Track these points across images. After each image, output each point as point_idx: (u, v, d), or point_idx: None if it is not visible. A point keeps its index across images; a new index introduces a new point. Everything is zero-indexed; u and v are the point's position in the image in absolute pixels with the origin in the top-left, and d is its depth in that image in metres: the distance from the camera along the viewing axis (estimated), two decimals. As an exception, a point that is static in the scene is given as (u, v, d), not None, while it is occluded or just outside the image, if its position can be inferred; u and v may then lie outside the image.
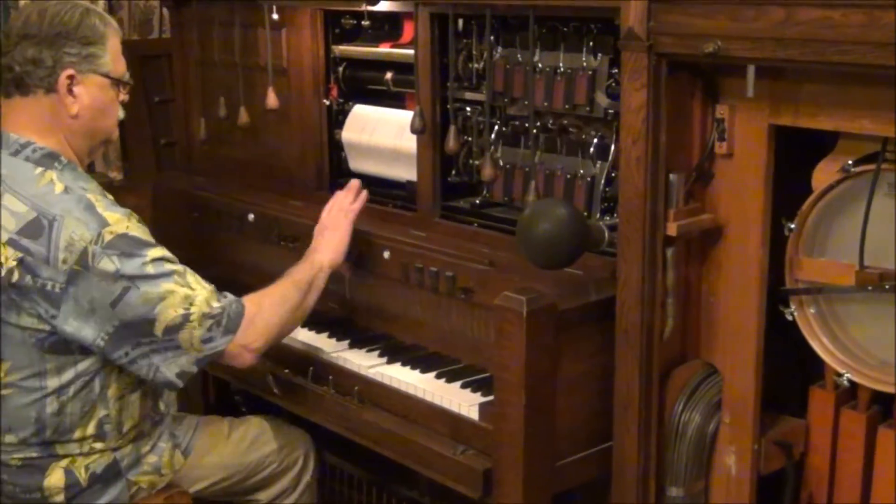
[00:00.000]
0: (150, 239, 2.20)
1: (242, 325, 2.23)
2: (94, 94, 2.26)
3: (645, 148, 1.96)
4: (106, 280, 2.11)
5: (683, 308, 2.10)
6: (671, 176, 2.00)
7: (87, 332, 2.14)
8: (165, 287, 2.15)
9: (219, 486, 2.51)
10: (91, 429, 2.25)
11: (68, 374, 2.20)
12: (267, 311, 2.30)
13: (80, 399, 2.22)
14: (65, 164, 2.23)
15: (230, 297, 2.26)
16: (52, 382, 2.20)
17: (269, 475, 2.59)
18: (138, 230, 2.18)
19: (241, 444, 2.55)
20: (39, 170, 2.20)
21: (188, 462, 2.44)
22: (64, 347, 2.18)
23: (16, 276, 2.12)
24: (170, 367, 2.20)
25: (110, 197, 2.29)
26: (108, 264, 2.11)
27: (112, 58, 2.27)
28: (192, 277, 2.22)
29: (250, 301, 2.29)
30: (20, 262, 2.11)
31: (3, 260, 2.12)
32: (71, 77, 2.22)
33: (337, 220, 2.57)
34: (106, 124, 2.33)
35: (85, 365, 2.21)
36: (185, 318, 2.17)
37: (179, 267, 2.21)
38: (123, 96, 2.35)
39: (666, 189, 2.00)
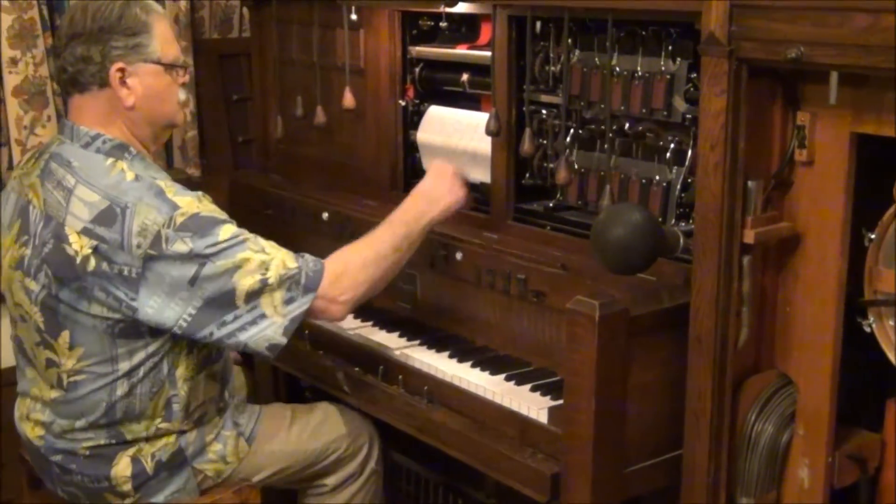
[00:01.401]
0: (222, 216, 2.23)
1: (325, 281, 2.24)
2: (147, 82, 2.29)
3: (723, 154, 1.93)
4: (181, 261, 2.14)
5: (759, 317, 2.07)
6: (749, 183, 1.97)
7: (169, 313, 2.18)
8: (240, 256, 2.18)
9: (284, 472, 2.53)
10: (160, 409, 2.29)
11: (139, 357, 2.25)
12: (355, 265, 2.31)
13: (149, 380, 2.27)
14: (134, 155, 2.28)
15: (308, 256, 2.28)
16: (124, 366, 2.25)
17: (334, 461, 2.59)
18: (209, 210, 2.21)
19: (304, 431, 2.56)
20: (110, 160, 2.24)
21: (252, 449, 2.46)
22: (134, 332, 2.22)
23: (92, 264, 2.16)
24: (258, 342, 2.22)
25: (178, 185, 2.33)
26: (182, 245, 2.14)
27: (160, 44, 2.29)
28: (266, 243, 2.24)
29: (339, 256, 2.30)
30: (95, 249, 2.15)
31: (78, 248, 2.16)
32: (121, 70, 2.25)
33: (455, 183, 2.52)
34: (165, 109, 2.35)
35: (155, 346, 2.25)
36: (264, 283, 2.18)
37: (250, 236, 2.23)
38: (182, 79, 2.37)
39: (744, 196, 1.97)
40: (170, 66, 2.32)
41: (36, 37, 3.20)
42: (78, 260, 2.16)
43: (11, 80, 3.20)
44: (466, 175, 2.57)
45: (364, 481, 2.64)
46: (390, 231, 2.41)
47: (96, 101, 2.27)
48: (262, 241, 2.24)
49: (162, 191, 2.20)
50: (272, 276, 2.19)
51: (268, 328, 2.21)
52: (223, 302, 2.17)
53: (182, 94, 2.39)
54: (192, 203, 2.19)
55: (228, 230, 2.20)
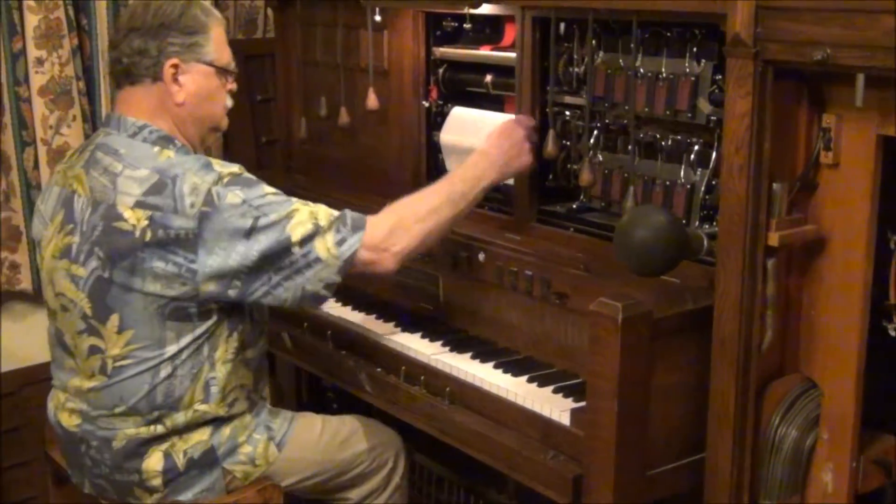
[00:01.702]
0: (266, 184, 2.30)
1: (378, 230, 2.29)
2: (198, 81, 2.35)
3: (748, 156, 1.93)
4: (236, 211, 2.19)
5: (783, 320, 2.06)
6: (774, 185, 1.96)
7: (232, 262, 2.21)
8: (290, 208, 2.25)
9: (310, 481, 2.54)
10: (198, 391, 2.32)
11: (185, 339, 2.28)
12: (409, 218, 2.34)
13: (190, 361, 2.30)
14: (179, 147, 2.32)
15: (348, 211, 2.32)
16: (171, 348, 2.28)
17: (359, 474, 2.60)
18: (252, 175, 2.29)
19: (333, 442, 2.57)
20: (157, 149, 2.29)
21: (281, 455, 2.47)
22: (184, 314, 2.25)
23: (149, 235, 2.19)
24: (315, 283, 2.26)
25: None
26: (234, 197, 2.20)
27: (215, 47, 2.36)
28: (312, 202, 2.31)
29: (394, 208, 2.35)
30: (150, 219, 2.19)
31: (134, 222, 2.20)
32: (175, 66, 2.31)
33: (523, 147, 2.50)
34: (212, 111, 2.41)
35: (201, 329, 2.28)
36: (316, 228, 2.24)
37: (296, 198, 2.30)
38: (231, 86, 2.44)
39: (768, 198, 1.96)
40: (221, 70, 2.39)
41: (62, 37, 3.22)
42: (136, 233, 2.19)
43: (37, 80, 3.22)
44: (534, 138, 2.53)
45: (388, 496, 2.65)
46: (449, 187, 2.43)
47: (147, 94, 2.33)
48: (303, 200, 2.31)
49: (209, 161, 2.27)
50: (323, 221, 2.25)
51: (323, 269, 2.25)
52: (279, 250, 2.22)
53: (229, 101, 2.46)
54: (237, 169, 2.27)
55: (272, 188, 2.28)
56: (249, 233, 2.20)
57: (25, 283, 3.30)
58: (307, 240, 2.23)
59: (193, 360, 2.30)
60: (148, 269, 2.21)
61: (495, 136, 2.51)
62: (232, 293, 2.25)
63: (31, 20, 3.18)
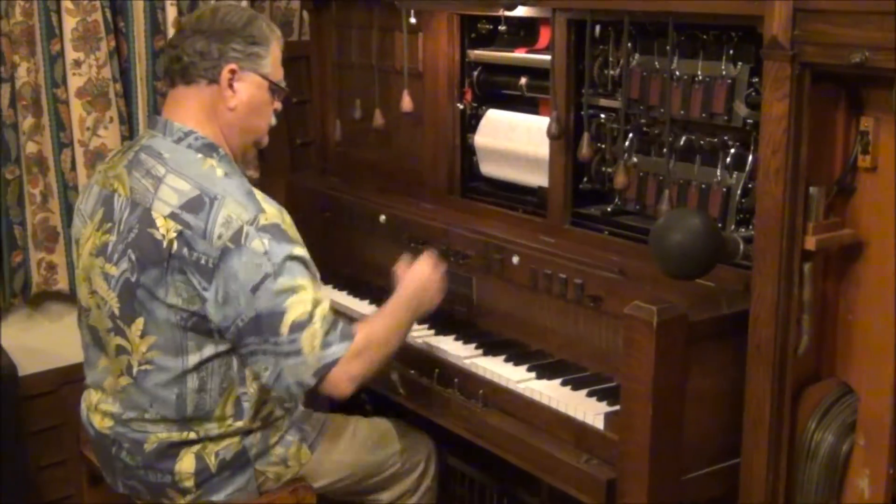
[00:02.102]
0: (298, 238, 2.28)
1: (350, 350, 2.25)
2: (251, 91, 2.36)
3: (785, 159, 1.91)
4: (254, 260, 2.18)
5: (819, 325, 2.04)
6: (811, 189, 1.95)
7: (228, 312, 2.21)
8: (300, 282, 2.22)
9: (342, 483, 2.54)
10: (230, 407, 2.32)
11: (208, 352, 2.28)
12: (376, 343, 2.32)
13: (219, 376, 2.30)
14: (222, 156, 2.33)
15: (341, 321, 2.29)
16: (193, 359, 2.28)
17: (391, 476, 2.61)
18: (289, 228, 2.27)
19: (365, 444, 2.58)
20: (200, 156, 2.30)
21: (314, 457, 2.47)
22: (204, 328, 2.25)
23: (175, 248, 2.20)
24: (291, 375, 2.24)
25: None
26: (259, 245, 2.19)
27: (272, 62, 2.39)
28: (322, 289, 2.29)
29: (359, 332, 2.30)
30: (179, 234, 2.20)
31: (164, 232, 2.21)
32: (233, 72, 2.33)
33: (430, 274, 2.52)
34: (258, 124, 2.42)
35: (224, 345, 2.28)
36: (311, 317, 2.21)
37: (314, 271, 2.29)
38: (277, 104, 2.44)
39: (805, 202, 1.95)
40: (274, 86, 2.40)
41: (99, 39, 3.24)
42: (164, 244, 2.20)
43: (75, 82, 3.25)
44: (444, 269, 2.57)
45: (419, 498, 2.66)
46: (398, 317, 2.41)
47: (199, 96, 2.34)
48: (319, 282, 2.30)
49: (252, 192, 2.26)
50: (318, 314, 2.23)
51: (301, 365, 2.22)
52: (270, 322, 2.20)
53: (274, 119, 2.47)
54: (276, 214, 2.25)
55: (300, 250, 2.26)
56: (255, 288, 2.19)
57: (62, 283, 3.33)
58: (298, 327, 2.20)
59: (222, 374, 2.30)
60: (171, 281, 2.22)
61: (419, 273, 2.50)
62: (230, 336, 2.25)
63: (70, 23, 3.21)
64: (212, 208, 2.20)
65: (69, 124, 3.27)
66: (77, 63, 3.24)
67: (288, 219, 2.29)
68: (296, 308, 2.20)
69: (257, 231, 2.19)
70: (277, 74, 2.41)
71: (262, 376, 2.27)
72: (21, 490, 3.20)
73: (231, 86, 2.33)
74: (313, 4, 3.37)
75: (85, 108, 3.27)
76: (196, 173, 2.27)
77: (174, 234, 2.20)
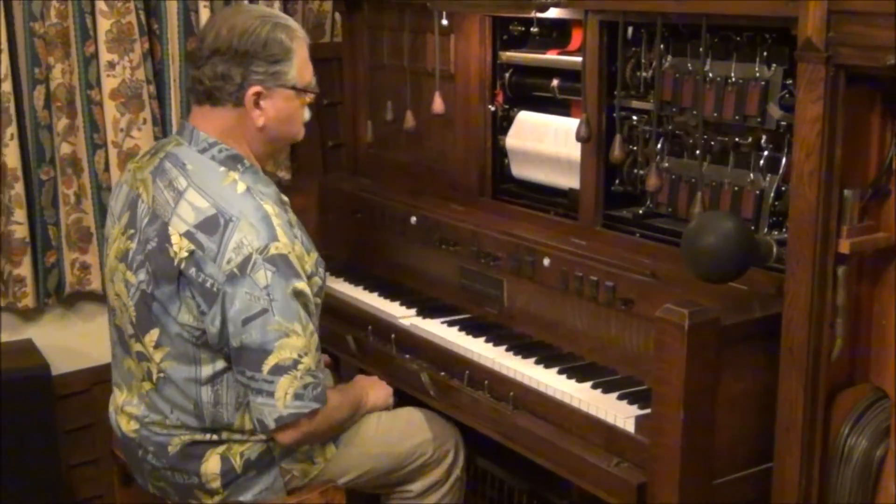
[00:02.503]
0: (302, 273, 2.26)
1: (315, 413, 2.27)
2: (279, 105, 2.34)
3: (819, 162, 1.90)
4: (254, 292, 2.18)
5: (853, 329, 2.03)
6: (845, 191, 1.93)
7: (222, 336, 2.23)
8: (294, 326, 2.21)
9: (370, 475, 2.54)
10: (248, 422, 2.32)
11: (221, 365, 2.28)
12: (329, 421, 2.37)
13: (234, 389, 2.30)
14: (247, 168, 2.32)
15: (323, 377, 2.32)
16: (206, 371, 2.28)
17: (420, 465, 2.60)
18: (297, 261, 2.25)
19: (390, 434, 2.57)
20: (223, 169, 2.29)
21: (339, 451, 2.47)
22: (216, 344, 2.26)
23: (184, 266, 2.21)
24: (254, 411, 2.26)
25: (285, 199, 2.38)
26: (262, 277, 2.18)
27: (298, 69, 2.34)
28: (314, 338, 2.28)
29: (329, 401, 2.32)
30: (191, 254, 2.20)
31: (177, 250, 2.21)
32: (258, 93, 2.30)
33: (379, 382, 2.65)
34: (291, 131, 2.41)
35: None
36: (295, 364, 2.22)
37: (312, 312, 2.28)
38: (309, 99, 2.41)
39: (840, 205, 1.93)
40: (302, 91, 2.37)
41: (133, 41, 3.27)
42: (176, 262, 2.21)
43: (109, 84, 3.27)
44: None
45: (449, 488, 2.65)
46: (353, 410, 2.49)
47: (226, 117, 2.32)
48: (312, 329, 2.28)
49: (268, 216, 2.23)
50: (303, 364, 2.23)
51: (267, 406, 2.23)
52: (254, 358, 2.21)
53: (307, 113, 2.44)
54: (288, 245, 2.23)
55: (302, 286, 2.24)
56: (248, 321, 2.19)
57: (95, 283, 3.35)
58: (279, 370, 2.21)
59: (236, 388, 2.30)
60: (183, 298, 2.23)
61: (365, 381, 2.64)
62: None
63: (104, 24, 3.23)
64: (226, 230, 2.19)
65: (103, 125, 3.30)
66: (111, 65, 3.26)
67: (298, 249, 2.27)
68: (282, 351, 2.20)
69: (264, 261, 2.18)
70: (305, 77, 2.37)
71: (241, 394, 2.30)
72: (53, 489, 3.23)
73: (258, 105, 2.31)
74: (345, 6, 3.37)
75: (118, 109, 3.29)
76: (216, 189, 2.26)
77: (185, 254, 2.20)
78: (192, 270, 2.20)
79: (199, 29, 3.35)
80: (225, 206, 2.22)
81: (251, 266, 2.18)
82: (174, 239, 2.22)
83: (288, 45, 2.32)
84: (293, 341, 2.21)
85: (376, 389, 2.60)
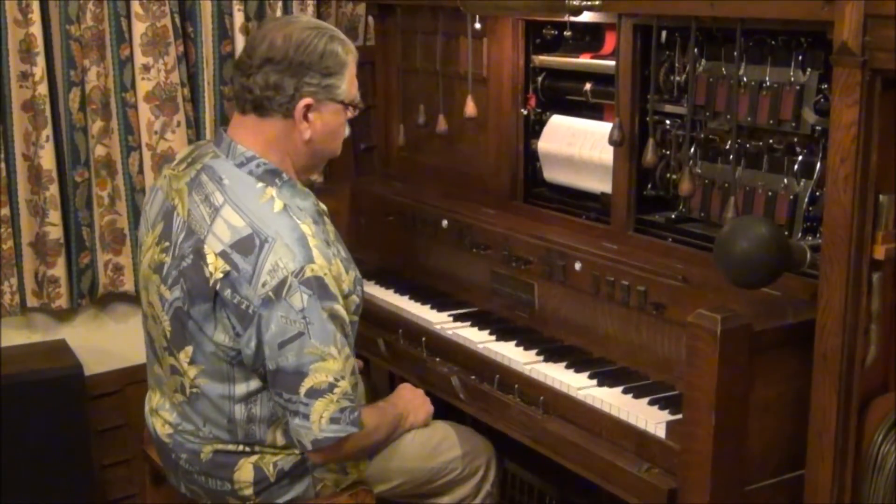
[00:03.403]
0: (338, 294, 2.23)
1: (351, 435, 2.25)
2: (326, 119, 2.30)
3: (854, 167, 1.88)
4: (290, 315, 2.15)
5: (888, 336, 2.01)
6: (881, 197, 1.92)
7: (257, 359, 2.21)
8: (331, 350, 2.19)
9: (401, 488, 2.54)
10: (280, 438, 2.32)
11: (255, 384, 2.27)
12: (367, 443, 2.37)
13: (267, 407, 2.29)
14: (285, 181, 2.28)
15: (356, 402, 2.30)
16: (241, 389, 2.27)
17: (451, 480, 2.60)
18: (332, 283, 2.21)
19: (424, 448, 2.57)
20: (261, 185, 2.25)
21: (372, 463, 2.47)
22: (252, 362, 2.24)
23: (219, 287, 2.18)
24: (292, 432, 2.25)
25: (324, 209, 2.36)
26: (298, 300, 2.15)
27: (348, 85, 2.31)
28: (350, 361, 2.26)
29: (365, 424, 2.31)
30: (226, 275, 2.17)
31: (213, 269, 2.18)
32: (308, 106, 2.26)
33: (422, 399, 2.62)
34: (334, 146, 2.39)
35: None
36: (331, 388, 2.20)
37: (347, 334, 2.26)
38: (351, 114, 2.38)
39: (875, 210, 1.91)
40: (350, 106, 2.34)
41: (168, 44, 3.29)
42: (211, 281, 2.19)
43: (144, 86, 3.29)
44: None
45: (480, 502, 2.64)
46: (388, 429, 2.48)
47: (273, 128, 2.28)
48: (348, 353, 2.25)
49: (304, 237, 2.20)
50: (340, 388, 2.21)
51: (304, 429, 2.22)
52: (290, 380, 2.19)
53: (347, 130, 2.41)
54: (324, 266, 2.20)
55: (338, 309, 2.22)
56: (283, 344, 2.17)
57: (128, 284, 3.38)
58: (315, 393, 2.19)
59: (270, 406, 2.29)
60: (219, 318, 2.21)
61: (406, 393, 2.62)
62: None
63: (139, 28, 3.26)
64: (261, 252, 2.16)
65: (137, 128, 3.32)
66: (146, 67, 3.28)
67: (335, 269, 2.23)
68: (318, 374, 2.19)
69: (300, 284, 2.15)
70: (353, 92, 2.34)
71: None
72: (85, 489, 3.25)
73: (306, 118, 2.27)
74: (378, 10, 3.38)
75: (153, 111, 3.32)
76: (253, 207, 2.22)
77: (221, 275, 2.17)
78: (228, 292, 2.18)
79: (233, 32, 3.37)
80: (261, 226, 2.19)
81: (287, 289, 2.15)
82: (210, 258, 2.19)
83: (343, 59, 2.28)
84: (329, 365, 2.19)
85: (416, 409, 2.57)
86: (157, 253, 2.32)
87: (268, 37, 2.26)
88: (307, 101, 2.25)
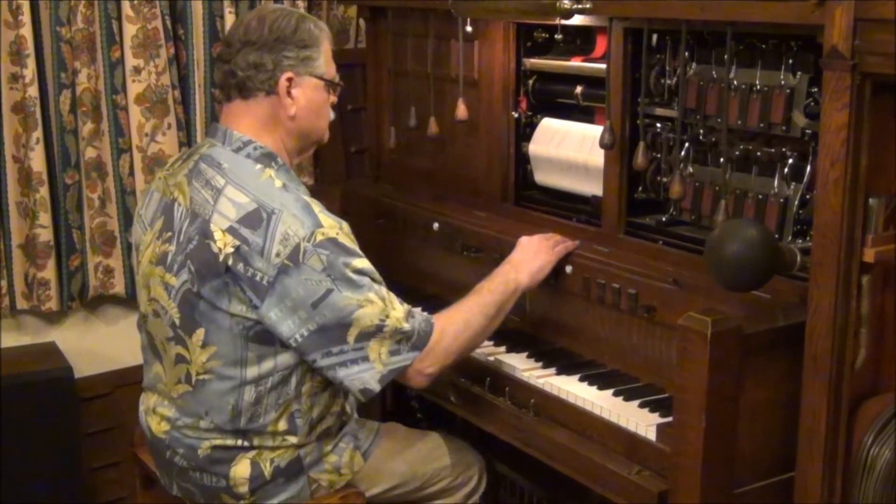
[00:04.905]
0: (357, 249, 2.27)
1: (426, 347, 2.27)
2: (309, 95, 2.37)
3: (844, 170, 1.89)
4: (313, 276, 2.18)
5: (878, 338, 2.01)
6: (870, 200, 1.92)
7: (284, 328, 2.21)
8: (366, 295, 2.21)
9: (392, 492, 2.54)
10: (283, 423, 2.32)
11: (267, 365, 2.28)
12: (449, 337, 2.33)
13: (276, 392, 2.30)
14: (280, 165, 2.34)
15: (419, 316, 2.30)
16: (252, 372, 2.28)
17: (441, 489, 2.61)
18: (347, 239, 2.25)
19: (417, 455, 2.58)
20: (259, 166, 2.31)
21: (367, 465, 2.48)
22: (268, 338, 2.25)
23: (231, 262, 2.20)
24: (353, 383, 2.25)
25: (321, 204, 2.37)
26: (317, 262, 2.18)
27: (325, 61, 2.39)
28: (390, 295, 2.27)
29: (436, 324, 2.31)
30: (237, 249, 2.20)
31: (221, 245, 2.21)
32: (290, 79, 2.33)
33: (542, 245, 2.58)
34: (319, 125, 2.44)
35: (284, 358, 2.28)
36: (379, 329, 2.22)
37: (379, 280, 2.28)
38: (333, 98, 2.46)
39: (864, 213, 1.92)
40: (330, 83, 2.41)
41: (159, 46, 3.29)
42: (221, 257, 2.21)
43: (134, 89, 3.29)
44: (555, 239, 2.61)
45: None
46: (481, 301, 2.43)
47: (259, 108, 2.35)
48: (386, 291, 2.27)
49: (308, 204, 2.25)
50: (388, 326, 2.23)
51: (366, 371, 2.23)
52: (335, 334, 2.21)
53: (332, 114, 2.47)
54: (334, 227, 2.24)
55: (361, 263, 2.24)
56: (317, 303, 2.18)
57: (119, 287, 3.37)
58: (365, 336, 2.21)
59: (279, 391, 2.30)
60: (233, 290, 2.22)
61: (517, 249, 2.58)
62: (292, 346, 2.24)
63: (130, 30, 3.25)
64: (269, 223, 2.20)
65: (128, 130, 3.32)
66: (137, 70, 3.28)
67: (346, 228, 2.27)
68: (362, 320, 2.21)
69: (314, 247, 2.18)
70: (331, 71, 2.42)
71: (331, 380, 2.29)
72: (75, 491, 3.25)
73: (289, 93, 2.34)
74: (369, 13, 3.38)
75: (144, 114, 3.31)
76: (255, 185, 2.27)
77: (231, 250, 2.20)
78: (241, 266, 2.19)
79: (224, 34, 3.37)
80: (266, 200, 2.23)
81: (302, 255, 2.18)
82: (217, 235, 2.21)
83: (316, 34, 2.37)
84: (369, 310, 2.21)
85: (525, 264, 2.54)
86: (158, 246, 2.34)
87: (243, 24, 2.37)
88: (288, 74, 2.33)
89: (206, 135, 2.45)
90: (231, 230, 2.21)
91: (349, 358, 2.22)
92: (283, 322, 2.21)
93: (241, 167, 2.30)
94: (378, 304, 2.23)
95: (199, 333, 2.28)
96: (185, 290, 2.28)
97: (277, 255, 2.17)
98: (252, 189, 2.26)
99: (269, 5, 2.44)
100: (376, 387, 2.25)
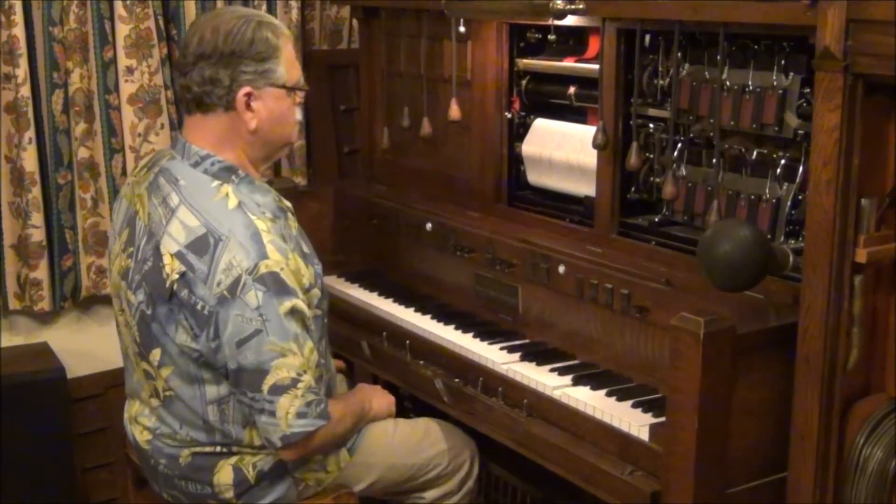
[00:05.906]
0: (297, 288, 2.22)
1: (319, 429, 2.26)
2: (270, 106, 2.28)
3: (836, 171, 1.89)
4: (245, 314, 2.15)
5: (870, 338, 2.02)
6: (863, 200, 1.93)
7: (219, 357, 2.20)
8: (289, 346, 2.18)
9: (383, 484, 2.53)
10: (256, 437, 2.31)
11: (224, 388, 2.26)
12: (334, 436, 2.36)
13: (239, 409, 2.28)
14: (241, 178, 2.28)
15: (322, 394, 2.29)
16: (211, 392, 2.27)
17: (435, 476, 2.60)
18: (290, 277, 2.20)
19: (406, 444, 2.57)
20: (216, 183, 2.25)
21: (353, 460, 2.46)
22: (215, 366, 2.23)
23: (176, 287, 2.18)
24: (266, 430, 2.23)
25: (287, 206, 2.34)
26: (253, 298, 2.15)
27: (286, 67, 2.29)
28: (313, 354, 2.24)
29: (332, 416, 2.30)
30: (182, 275, 2.17)
31: (169, 271, 2.18)
32: (248, 94, 2.25)
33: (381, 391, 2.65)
34: (285, 132, 2.36)
35: None
36: (294, 383, 2.19)
37: (310, 327, 2.25)
38: (300, 99, 2.37)
39: (857, 214, 1.92)
40: (292, 89, 2.33)
41: (152, 46, 3.28)
42: (167, 283, 2.18)
43: (127, 89, 3.29)
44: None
45: (460, 498, 2.65)
46: (354, 419, 2.45)
47: (218, 123, 2.28)
48: (310, 346, 2.24)
49: (258, 233, 2.19)
50: (303, 383, 2.21)
51: (272, 427, 2.21)
52: (252, 379, 2.19)
53: (299, 114, 2.40)
54: (280, 262, 2.19)
55: (297, 304, 2.20)
56: (241, 343, 2.16)
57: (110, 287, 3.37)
58: (278, 390, 2.18)
59: (243, 410, 2.27)
60: (178, 319, 2.20)
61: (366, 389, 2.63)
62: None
63: (122, 30, 3.25)
64: (215, 250, 2.16)
65: (120, 130, 3.32)
66: (129, 70, 3.28)
67: (293, 264, 2.22)
68: (280, 371, 2.18)
69: (254, 282, 2.14)
70: (294, 75, 2.32)
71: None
72: (67, 492, 3.24)
73: (249, 107, 2.26)
74: (363, 13, 3.38)
75: (136, 114, 3.31)
76: (207, 207, 2.21)
77: (177, 276, 2.17)
78: (185, 292, 2.17)
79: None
80: (215, 225, 2.18)
81: (241, 287, 2.14)
82: (166, 259, 2.18)
83: (275, 43, 2.26)
84: (290, 360, 2.18)
85: (379, 398, 2.58)
86: (123, 259, 2.32)
87: (198, 32, 2.26)
88: (246, 89, 2.25)
89: (170, 145, 2.39)
90: (179, 255, 2.18)
91: (260, 407, 2.20)
92: (216, 354, 2.20)
93: (197, 185, 2.25)
94: (299, 356, 2.20)
95: (156, 353, 2.26)
96: (141, 311, 2.25)
97: (219, 284, 2.14)
98: (204, 211, 2.21)
99: (226, 11, 2.33)
100: (278, 443, 2.23)
